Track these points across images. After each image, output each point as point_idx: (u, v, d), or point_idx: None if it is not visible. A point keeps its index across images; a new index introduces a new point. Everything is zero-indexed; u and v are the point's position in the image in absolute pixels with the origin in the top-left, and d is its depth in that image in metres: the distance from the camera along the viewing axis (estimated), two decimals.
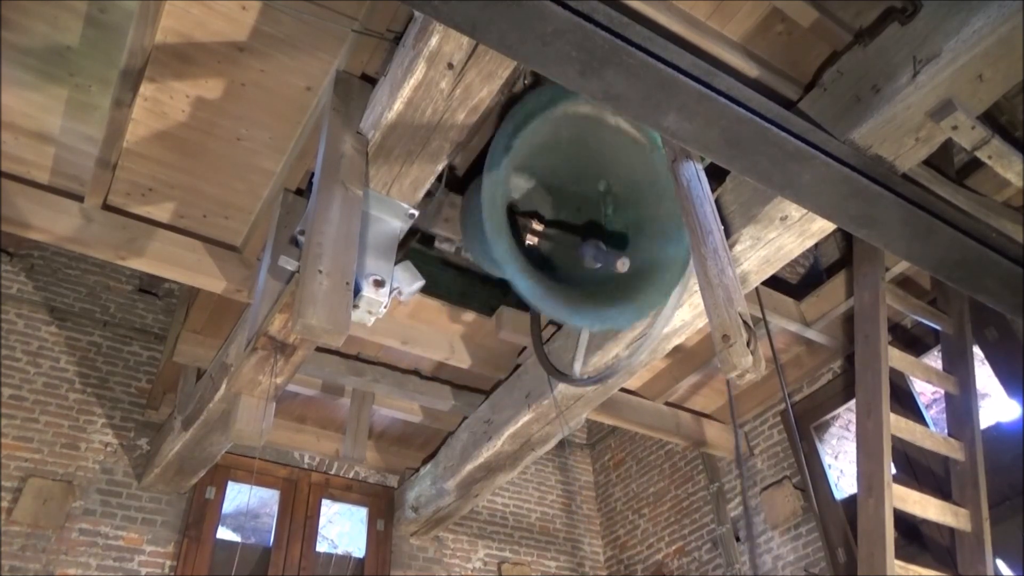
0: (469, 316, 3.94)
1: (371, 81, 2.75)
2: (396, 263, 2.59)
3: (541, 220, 3.12)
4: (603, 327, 3.19)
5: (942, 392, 4.32)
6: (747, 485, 5.20)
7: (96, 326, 4.96)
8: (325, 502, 5.27)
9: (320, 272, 2.23)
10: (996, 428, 4.05)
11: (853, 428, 4.50)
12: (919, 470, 4.16)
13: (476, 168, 3.09)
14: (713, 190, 2.72)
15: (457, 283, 3.82)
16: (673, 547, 5.59)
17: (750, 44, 2.69)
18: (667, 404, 4.99)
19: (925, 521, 3.82)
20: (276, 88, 2.83)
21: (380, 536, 5.24)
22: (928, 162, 2.67)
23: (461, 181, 3.23)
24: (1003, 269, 2.71)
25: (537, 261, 3.04)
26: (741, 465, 4.21)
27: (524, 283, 2.67)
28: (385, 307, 2.44)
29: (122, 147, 3.02)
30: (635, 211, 3.03)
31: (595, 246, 2.82)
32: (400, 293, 2.56)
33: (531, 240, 3.03)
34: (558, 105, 2.72)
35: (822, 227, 2.68)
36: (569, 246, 3.09)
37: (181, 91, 2.82)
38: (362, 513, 5.42)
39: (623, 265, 2.72)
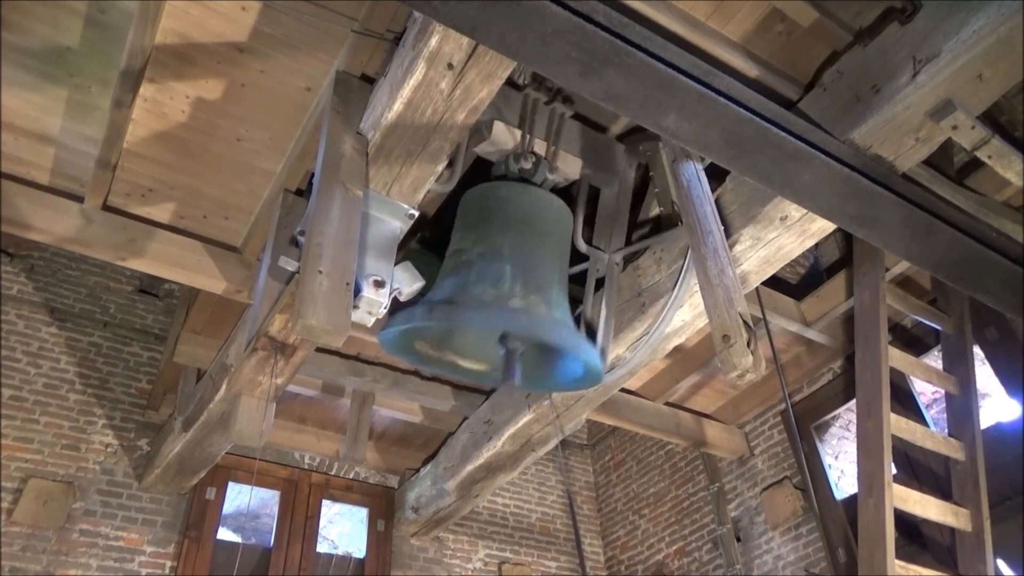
0: None
1: (371, 81, 2.75)
2: (396, 263, 2.59)
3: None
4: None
5: (942, 392, 4.32)
6: (747, 485, 5.20)
7: (96, 327, 4.95)
8: (325, 502, 5.27)
9: (320, 272, 2.22)
10: (996, 428, 4.05)
11: (853, 428, 4.50)
12: (919, 470, 4.16)
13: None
14: (713, 190, 2.73)
15: None
16: (673, 547, 5.59)
17: (750, 44, 2.69)
18: (667, 404, 4.99)
19: (925, 521, 3.82)
20: (276, 88, 2.83)
21: (380, 536, 5.24)
22: (928, 162, 2.67)
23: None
24: (1003, 269, 2.71)
25: None
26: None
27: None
28: (385, 308, 2.44)
29: (122, 148, 3.01)
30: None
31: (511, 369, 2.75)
32: (400, 293, 2.56)
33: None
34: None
35: (822, 227, 2.68)
36: None
37: (181, 92, 2.82)
38: (362, 513, 5.42)
39: (509, 387, 2.92)
